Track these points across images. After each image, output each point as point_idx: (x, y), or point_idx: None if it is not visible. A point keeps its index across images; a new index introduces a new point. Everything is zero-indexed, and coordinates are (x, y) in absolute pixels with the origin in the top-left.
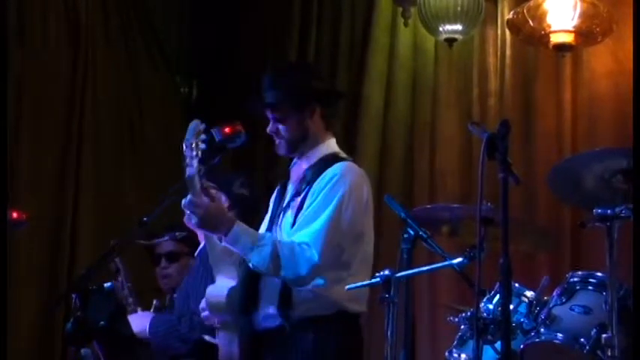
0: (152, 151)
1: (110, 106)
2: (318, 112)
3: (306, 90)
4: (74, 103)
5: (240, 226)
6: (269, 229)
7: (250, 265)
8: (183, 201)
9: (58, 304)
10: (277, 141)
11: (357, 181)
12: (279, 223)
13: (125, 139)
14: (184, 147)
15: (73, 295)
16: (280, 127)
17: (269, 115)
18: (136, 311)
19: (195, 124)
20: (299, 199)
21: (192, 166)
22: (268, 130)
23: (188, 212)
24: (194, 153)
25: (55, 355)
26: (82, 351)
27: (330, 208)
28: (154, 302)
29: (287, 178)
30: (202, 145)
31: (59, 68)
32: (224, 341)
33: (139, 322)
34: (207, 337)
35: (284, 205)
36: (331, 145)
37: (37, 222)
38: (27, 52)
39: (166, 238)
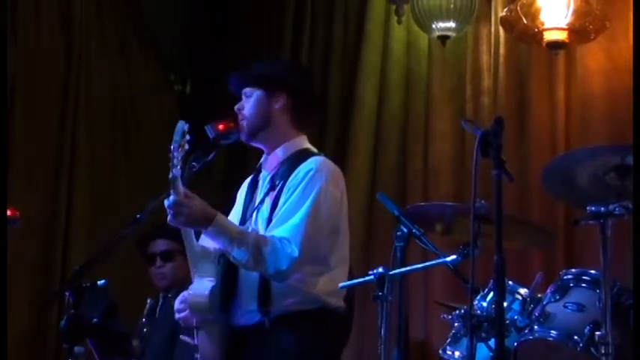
0: (146, 149)
1: (104, 104)
2: (288, 105)
3: (278, 74)
4: (68, 100)
5: (221, 220)
6: (241, 223)
7: (230, 258)
8: (165, 201)
9: (51, 301)
10: (240, 122)
11: (332, 175)
12: (253, 218)
13: (119, 136)
14: (172, 148)
15: (67, 293)
16: (246, 104)
17: (243, 94)
18: None
19: (181, 125)
20: (273, 194)
21: (177, 167)
22: (235, 107)
23: (172, 212)
24: (180, 154)
25: (49, 353)
26: (76, 349)
27: (308, 202)
28: (148, 301)
29: (257, 172)
30: (186, 147)
31: (53, 66)
32: (205, 342)
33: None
34: (185, 338)
35: (258, 200)
36: (302, 142)
37: (31, 219)
38: (20, 51)
39: None
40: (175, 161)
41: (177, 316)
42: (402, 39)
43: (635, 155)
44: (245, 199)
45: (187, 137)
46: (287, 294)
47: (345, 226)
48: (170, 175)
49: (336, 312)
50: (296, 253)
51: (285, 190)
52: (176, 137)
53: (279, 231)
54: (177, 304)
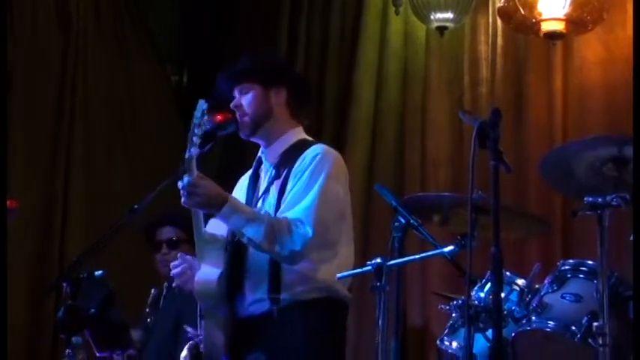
0: (143, 140)
1: (101, 95)
2: (285, 96)
3: (275, 68)
4: (64, 91)
5: (234, 201)
6: None
7: (244, 239)
8: (179, 183)
9: (49, 292)
10: (240, 119)
11: (338, 161)
12: (258, 207)
13: (116, 127)
14: (192, 125)
15: (64, 284)
16: (244, 100)
17: (235, 91)
18: None
19: (201, 103)
20: (279, 181)
21: (195, 146)
22: (232, 104)
23: (186, 193)
24: (200, 132)
25: (46, 344)
26: (73, 339)
27: (318, 185)
28: (152, 291)
29: (257, 166)
30: (205, 126)
31: (50, 57)
32: (211, 330)
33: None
34: (188, 329)
35: (262, 190)
36: (300, 133)
37: (28, 212)
38: (17, 41)
39: None
40: (195, 139)
41: (174, 272)
42: (400, 30)
43: (634, 146)
44: (247, 192)
45: (206, 118)
46: (297, 281)
47: (349, 213)
48: (186, 155)
49: (344, 301)
50: (310, 233)
51: (292, 175)
52: (197, 114)
53: (290, 213)
54: (175, 263)
